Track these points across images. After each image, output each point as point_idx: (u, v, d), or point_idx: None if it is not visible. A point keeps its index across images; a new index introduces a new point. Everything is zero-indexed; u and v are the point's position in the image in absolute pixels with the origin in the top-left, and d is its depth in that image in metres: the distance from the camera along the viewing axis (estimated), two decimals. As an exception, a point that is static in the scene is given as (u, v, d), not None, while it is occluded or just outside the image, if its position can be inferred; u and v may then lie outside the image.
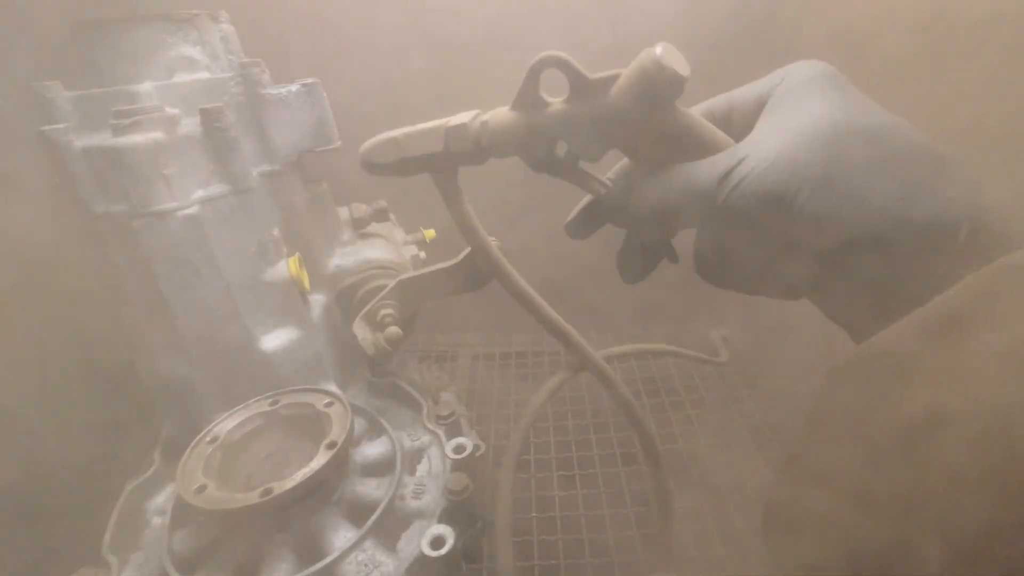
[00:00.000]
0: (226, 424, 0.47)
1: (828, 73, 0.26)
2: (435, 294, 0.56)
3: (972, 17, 0.52)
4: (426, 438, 0.54)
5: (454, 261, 0.54)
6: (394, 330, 0.53)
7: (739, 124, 0.28)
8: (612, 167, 0.34)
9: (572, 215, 0.35)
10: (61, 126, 0.45)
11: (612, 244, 0.38)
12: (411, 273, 0.56)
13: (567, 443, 0.71)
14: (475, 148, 0.32)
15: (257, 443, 0.47)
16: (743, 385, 0.80)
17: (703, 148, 0.27)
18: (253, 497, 0.39)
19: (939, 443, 0.18)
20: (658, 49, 0.25)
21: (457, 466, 0.49)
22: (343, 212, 0.64)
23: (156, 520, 0.48)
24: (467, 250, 0.52)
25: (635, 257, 0.34)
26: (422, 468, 0.51)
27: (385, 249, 0.62)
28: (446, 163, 0.33)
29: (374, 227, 0.65)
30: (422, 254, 0.69)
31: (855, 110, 0.24)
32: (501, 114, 0.31)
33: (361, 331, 0.53)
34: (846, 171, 0.22)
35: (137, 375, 0.54)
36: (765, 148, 0.24)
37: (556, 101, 0.29)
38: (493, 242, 0.40)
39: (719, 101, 0.31)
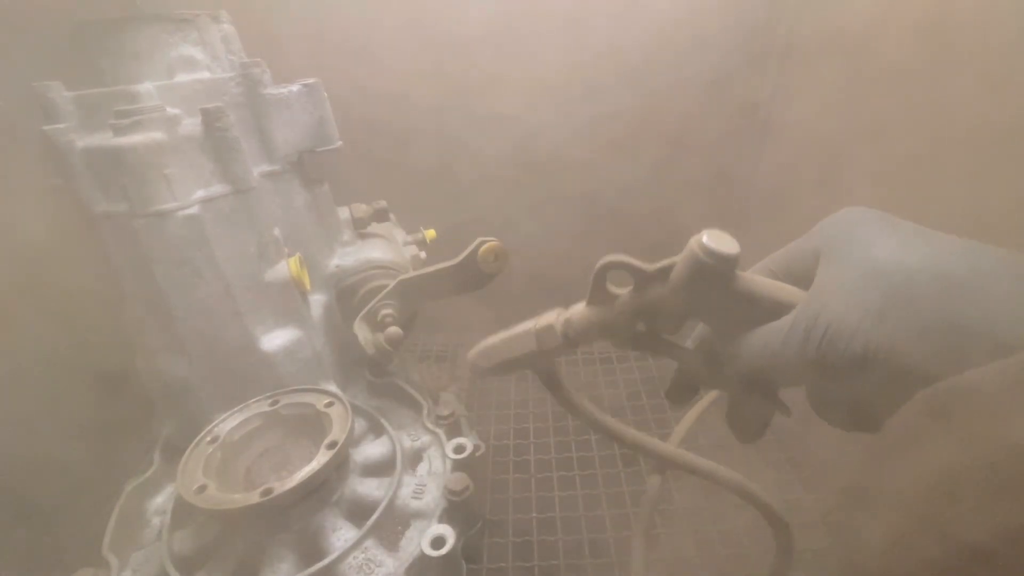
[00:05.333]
0: (226, 424, 0.47)
1: (876, 216, 0.27)
2: (435, 294, 0.56)
3: (972, 17, 0.52)
4: (426, 438, 0.54)
5: (454, 261, 0.54)
6: (394, 330, 0.53)
7: (799, 277, 0.29)
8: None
9: (668, 385, 0.37)
10: (62, 126, 0.45)
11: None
12: (411, 273, 0.56)
13: (567, 443, 0.71)
14: (564, 342, 0.36)
15: (257, 443, 0.47)
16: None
17: (775, 306, 0.28)
18: (253, 497, 0.39)
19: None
20: (704, 237, 0.27)
21: (457, 466, 0.49)
22: (343, 212, 0.64)
23: (156, 520, 0.48)
24: (467, 250, 0.53)
25: (746, 416, 0.35)
26: (422, 468, 0.51)
27: (385, 249, 0.62)
28: (542, 359, 0.38)
29: (374, 227, 0.65)
30: (422, 254, 0.69)
31: (913, 249, 0.24)
32: (579, 312, 0.36)
33: (361, 331, 0.53)
34: (917, 315, 0.22)
35: (137, 375, 0.54)
36: (836, 302, 0.24)
37: (624, 292, 0.33)
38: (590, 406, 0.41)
39: (776, 257, 0.31)
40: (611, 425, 0.42)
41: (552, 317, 0.37)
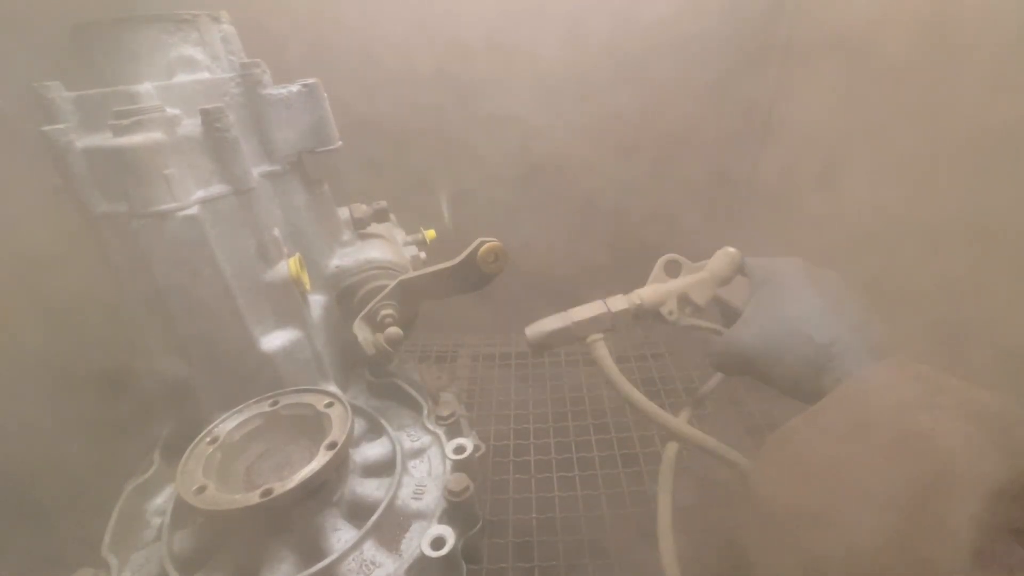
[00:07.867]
0: (226, 425, 0.47)
1: (793, 276, 0.49)
2: (435, 294, 0.56)
3: (972, 17, 0.52)
4: (426, 439, 0.53)
5: (454, 262, 0.54)
6: (394, 330, 0.53)
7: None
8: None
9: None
10: (62, 126, 0.45)
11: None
12: (411, 274, 0.56)
13: (567, 444, 0.71)
14: (633, 319, 0.52)
15: (257, 444, 0.47)
16: (743, 386, 0.80)
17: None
18: (253, 498, 0.39)
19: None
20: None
21: (457, 467, 0.49)
22: (343, 212, 0.64)
23: (156, 520, 0.48)
24: (467, 250, 0.53)
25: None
26: (422, 469, 0.51)
27: (385, 249, 0.62)
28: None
29: (374, 227, 0.65)
30: (422, 254, 0.69)
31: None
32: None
33: (361, 332, 0.53)
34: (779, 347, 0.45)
35: (137, 375, 0.53)
36: (747, 337, 0.47)
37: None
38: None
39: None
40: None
41: (624, 303, 0.52)
